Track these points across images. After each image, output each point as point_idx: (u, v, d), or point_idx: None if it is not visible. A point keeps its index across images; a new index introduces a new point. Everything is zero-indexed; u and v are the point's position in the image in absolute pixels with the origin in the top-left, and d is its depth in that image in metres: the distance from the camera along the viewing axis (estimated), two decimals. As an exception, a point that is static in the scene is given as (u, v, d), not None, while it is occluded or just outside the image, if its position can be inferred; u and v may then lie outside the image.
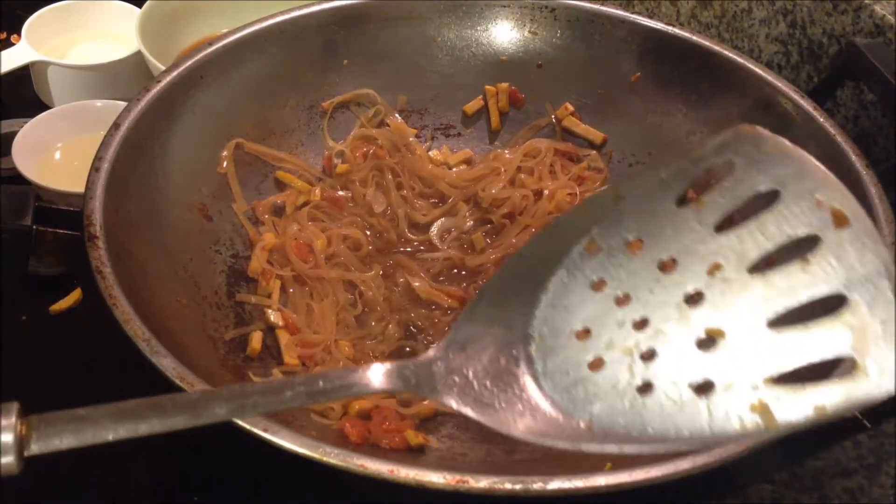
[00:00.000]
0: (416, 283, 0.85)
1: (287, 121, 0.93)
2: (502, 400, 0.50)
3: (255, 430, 0.58)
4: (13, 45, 1.12)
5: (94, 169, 0.74)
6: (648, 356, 0.48)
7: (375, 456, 0.57)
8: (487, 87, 0.99)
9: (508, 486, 0.56)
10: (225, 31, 0.91)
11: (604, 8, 0.96)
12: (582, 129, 0.97)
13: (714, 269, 0.47)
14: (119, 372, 0.84)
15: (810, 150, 0.82)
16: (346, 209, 0.91)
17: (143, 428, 0.46)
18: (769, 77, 0.89)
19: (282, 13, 0.92)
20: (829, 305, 0.44)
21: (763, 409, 0.44)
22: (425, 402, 0.75)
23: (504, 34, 0.98)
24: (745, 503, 0.66)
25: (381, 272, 0.87)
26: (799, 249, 0.46)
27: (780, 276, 0.45)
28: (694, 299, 0.47)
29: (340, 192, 0.92)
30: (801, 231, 0.45)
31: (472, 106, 0.99)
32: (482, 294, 0.53)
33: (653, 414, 0.46)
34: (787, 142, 0.47)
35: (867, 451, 0.68)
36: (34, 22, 1.14)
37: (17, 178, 0.95)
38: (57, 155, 1.02)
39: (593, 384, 0.49)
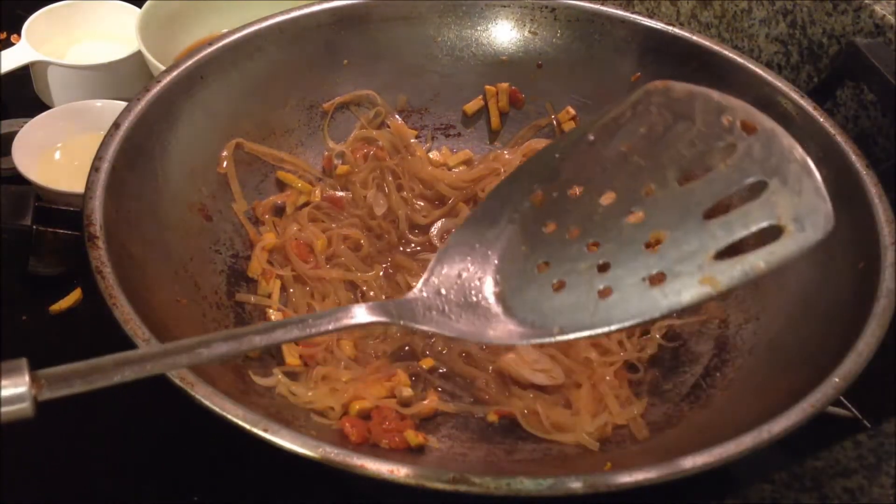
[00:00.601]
0: (414, 283, 0.85)
1: (287, 121, 0.93)
2: (475, 324, 0.58)
3: (256, 430, 0.58)
4: (13, 45, 1.12)
5: (94, 169, 0.74)
6: (604, 268, 0.56)
7: (375, 456, 0.57)
8: (487, 87, 0.99)
9: (506, 486, 0.56)
10: (225, 31, 0.91)
11: (604, 8, 0.96)
12: (580, 134, 0.97)
13: (648, 191, 0.55)
14: None
15: (810, 150, 0.83)
16: (347, 210, 0.91)
17: (148, 368, 0.47)
18: (769, 77, 0.89)
19: (282, 13, 0.92)
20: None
21: (710, 280, 0.51)
22: (425, 402, 0.75)
23: (504, 34, 0.98)
24: (745, 503, 0.65)
25: (381, 272, 0.87)
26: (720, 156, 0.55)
27: (705, 180, 0.53)
28: (635, 216, 0.56)
29: (340, 193, 0.92)
30: (717, 144, 0.53)
31: (472, 106, 0.99)
32: (450, 242, 0.62)
33: (615, 310, 0.54)
34: (691, 85, 0.56)
35: (867, 451, 0.68)
36: (34, 22, 1.14)
37: (17, 178, 0.94)
38: (57, 155, 1.02)
39: (559, 302, 0.56)
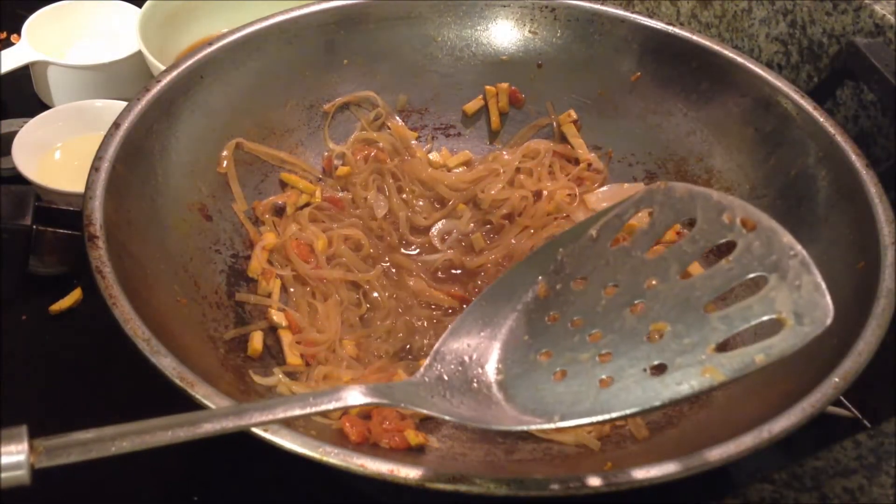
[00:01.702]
0: (412, 283, 0.86)
1: (287, 120, 0.93)
2: (476, 409, 0.58)
3: (255, 430, 0.57)
4: (13, 44, 1.12)
5: (94, 169, 0.74)
6: (605, 358, 0.56)
7: (375, 456, 0.57)
8: (487, 87, 0.99)
9: (506, 487, 0.56)
10: (225, 30, 0.91)
11: (604, 7, 0.96)
12: (576, 141, 0.97)
13: (650, 284, 0.57)
14: (119, 372, 0.85)
15: (810, 150, 0.84)
16: (347, 211, 0.91)
17: (147, 440, 0.48)
18: (769, 77, 0.89)
19: (282, 13, 0.92)
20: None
21: (711, 371, 0.52)
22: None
23: (504, 34, 0.98)
24: (745, 503, 0.65)
25: (382, 272, 0.87)
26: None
27: (706, 275, 0.54)
28: (637, 308, 0.57)
29: (340, 194, 0.92)
30: (718, 240, 0.55)
31: (472, 106, 0.99)
32: (454, 329, 0.63)
33: (616, 399, 0.54)
34: (693, 186, 0.58)
35: (867, 451, 0.68)
36: (34, 22, 1.14)
37: (17, 178, 0.95)
38: (57, 155, 1.02)
39: (561, 391, 0.57)
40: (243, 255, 0.85)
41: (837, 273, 0.76)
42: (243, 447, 0.73)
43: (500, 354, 0.61)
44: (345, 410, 0.73)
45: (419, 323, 0.84)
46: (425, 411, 0.57)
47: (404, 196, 0.93)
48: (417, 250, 0.90)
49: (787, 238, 0.53)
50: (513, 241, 0.90)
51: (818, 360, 0.67)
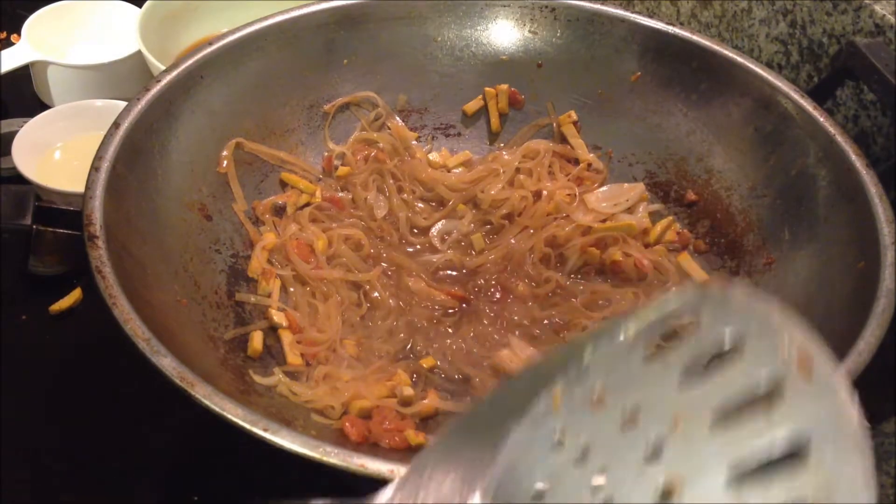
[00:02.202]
0: (411, 283, 0.85)
1: (287, 120, 0.93)
2: None
3: (256, 430, 0.58)
4: (13, 44, 1.12)
5: (94, 168, 0.74)
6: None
7: (375, 456, 0.57)
8: (487, 88, 0.99)
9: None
10: (225, 30, 0.91)
11: (604, 7, 0.96)
12: (576, 142, 0.97)
13: (676, 423, 0.47)
14: (119, 372, 0.85)
15: (810, 150, 0.84)
16: (347, 211, 0.91)
17: None
18: (769, 77, 0.89)
19: (282, 13, 0.92)
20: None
21: None
22: (425, 401, 0.75)
23: (504, 34, 0.98)
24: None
25: (381, 272, 0.87)
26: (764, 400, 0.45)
27: (741, 429, 0.45)
28: (654, 453, 0.47)
29: (340, 194, 0.92)
30: (764, 384, 0.45)
31: (472, 106, 0.99)
32: (437, 442, 0.53)
33: None
34: (753, 297, 0.47)
35: (867, 451, 0.68)
36: (34, 21, 1.14)
37: (17, 178, 0.95)
38: (57, 155, 1.02)
39: None
40: (243, 255, 0.85)
41: (837, 273, 0.76)
42: (243, 447, 0.74)
43: (492, 477, 0.51)
44: (345, 409, 0.73)
45: (419, 323, 0.84)
46: None
47: (404, 196, 0.93)
48: (417, 251, 0.90)
49: (849, 402, 0.43)
50: (512, 240, 0.90)
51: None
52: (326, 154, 0.94)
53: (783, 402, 0.43)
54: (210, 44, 0.88)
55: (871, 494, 0.40)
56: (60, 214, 0.75)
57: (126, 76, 1.11)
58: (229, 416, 0.58)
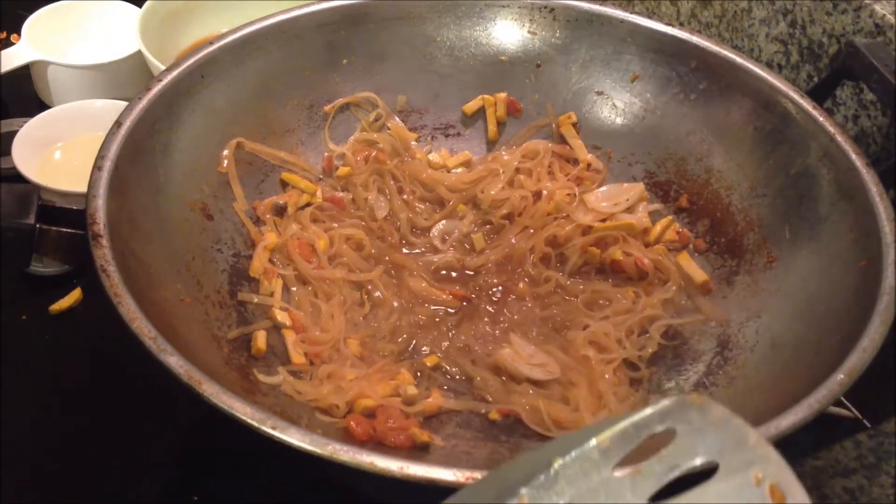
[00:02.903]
0: (412, 282, 0.86)
1: (287, 120, 0.93)
2: None
3: (264, 428, 0.58)
4: (13, 44, 1.12)
5: (97, 168, 0.74)
6: None
7: (384, 454, 0.56)
8: (486, 96, 0.99)
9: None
10: (225, 30, 0.91)
11: (603, 8, 0.96)
12: (575, 143, 0.97)
13: None
14: (119, 372, 0.85)
15: (810, 150, 0.84)
16: (348, 211, 0.91)
17: None
18: (769, 77, 0.89)
19: (282, 13, 0.92)
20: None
21: None
22: (429, 400, 0.75)
23: (503, 34, 0.99)
24: (745, 503, 0.66)
25: (382, 272, 0.87)
26: None
27: None
28: None
29: (341, 194, 0.92)
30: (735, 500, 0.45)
31: (472, 106, 0.99)
32: None
33: None
34: (732, 415, 0.47)
35: (867, 451, 0.68)
36: (34, 21, 1.14)
37: (17, 178, 0.95)
38: (57, 154, 1.02)
39: None
40: (245, 255, 0.85)
41: (838, 271, 0.76)
42: (244, 447, 0.73)
43: None
44: (349, 408, 0.73)
45: (422, 322, 0.84)
46: None
47: (405, 197, 0.93)
48: (418, 251, 0.90)
49: None
50: (513, 240, 0.90)
51: (821, 358, 0.68)
52: (327, 154, 0.94)
53: None
54: (211, 43, 0.88)
55: None
56: (64, 213, 0.75)
57: (126, 76, 1.11)
58: (238, 414, 0.58)
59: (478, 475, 0.55)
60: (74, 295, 0.89)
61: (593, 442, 0.48)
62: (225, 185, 0.87)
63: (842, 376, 0.63)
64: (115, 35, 1.17)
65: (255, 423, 0.58)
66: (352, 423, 0.70)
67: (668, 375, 0.79)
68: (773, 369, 0.74)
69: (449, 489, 0.55)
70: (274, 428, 0.57)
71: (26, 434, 0.80)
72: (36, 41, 1.11)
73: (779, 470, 0.45)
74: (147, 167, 0.80)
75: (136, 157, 0.78)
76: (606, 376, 0.77)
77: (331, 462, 0.56)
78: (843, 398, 0.78)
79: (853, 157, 0.81)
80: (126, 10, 1.17)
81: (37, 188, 0.74)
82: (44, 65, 1.10)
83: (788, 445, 0.61)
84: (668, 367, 0.80)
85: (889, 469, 0.67)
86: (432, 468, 0.55)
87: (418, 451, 0.70)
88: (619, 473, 0.47)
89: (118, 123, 0.78)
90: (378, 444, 0.69)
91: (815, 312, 0.76)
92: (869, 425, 0.79)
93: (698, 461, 0.45)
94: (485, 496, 0.51)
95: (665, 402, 0.47)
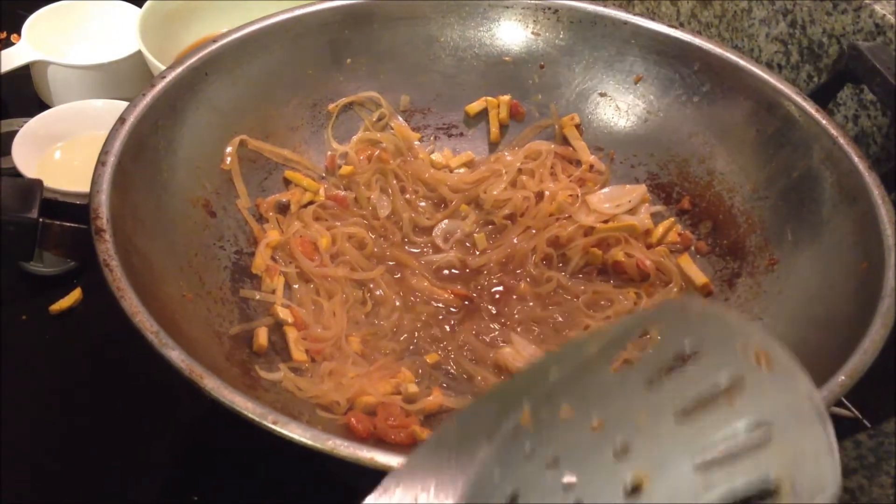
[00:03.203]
0: (414, 281, 0.86)
1: (290, 118, 0.93)
2: None
3: (265, 423, 0.57)
4: (13, 44, 1.12)
5: (101, 163, 0.74)
6: None
7: (384, 450, 0.56)
8: (489, 98, 0.99)
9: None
10: (225, 30, 0.91)
11: (606, 10, 0.96)
12: (578, 144, 0.97)
13: (641, 422, 0.49)
14: (119, 372, 0.85)
15: (813, 152, 0.84)
16: (351, 210, 0.91)
17: None
18: (771, 79, 0.89)
19: (286, 11, 0.92)
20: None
21: None
22: (430, 398, 0.75)
23: (507, 35, 0.99)
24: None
25: (384, 271, 0.87)
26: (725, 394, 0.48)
27: (704, 422, 0.47)
28: (622, 453, 0.49)
29: (343, 193, 0.92)
30: (725, 377, 0.47)
31: (475, 106, 0.99)
32: (414, 459, 0.54)
33: None
34: (710, 304, 0.54)
35: (867, 451, 0.68)
36: (34, 21, 1.13)
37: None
38: (57, 154, 1.02)
39: None
40: (247, 252, 0.85)
41: (840, 273, 0.76)
42: (244, 447, 0.74)
43: (464, 492, 0.53)
44: (350, 405, 0.73)
45: (423, 321, 0.84)
46: None
47: (407, 196, 0.93)
48: (420, 250, 0.90)
49: (806, 385, 0.46)
50: (515, 240, 0.90)
51: (822, 359, 0.68)
52: (330, 153, 0.94)
53: (743, 393, 0.45)
54: (215, 41, 0.88)
55: (835, 463, 0.42)
56: (67, 208, 0.75)
57: (126, 76, 1.11)
58: (239, 409, 0.58)
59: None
60: (74, 295, 0.89)
61: (586, 350, 0.52)
62: (228, 182, 0.87)
63: (843, 378, 0.63)
64: (115, 35, 1.16)
65: (256, 418, 0.57)
66: (352, 419, 0.70)
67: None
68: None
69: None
70: (275, 423, 0.57)
71: (26, 434, 0.80)
72: (36, 41, 1.11)
73: (761, 338, 0.47)
74: (150, 163, 0.80)
75: (139, 153, 0.78)
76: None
77: (331, 457, 0.56)
78: (843, 398, 0.78)
79: (855, 159, 0.81)
80: (126, 10, 1.17)
81: (39, 182, 0.73)
82: (44, 65, 1.09)
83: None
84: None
85: (889, 469, 0.67)
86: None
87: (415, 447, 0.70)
88: (613, 372, 0.51)
89: (122, 120, 0.78)
90: (379, 442, 0.69)
91: (815, 314, 0.76)
92: (869, 425, 0.79)
93: (686, 349, 0.48)
94: (489, 410, 0.54)
95: (647, 310, 0.56)
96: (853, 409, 0.80)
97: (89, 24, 1.19)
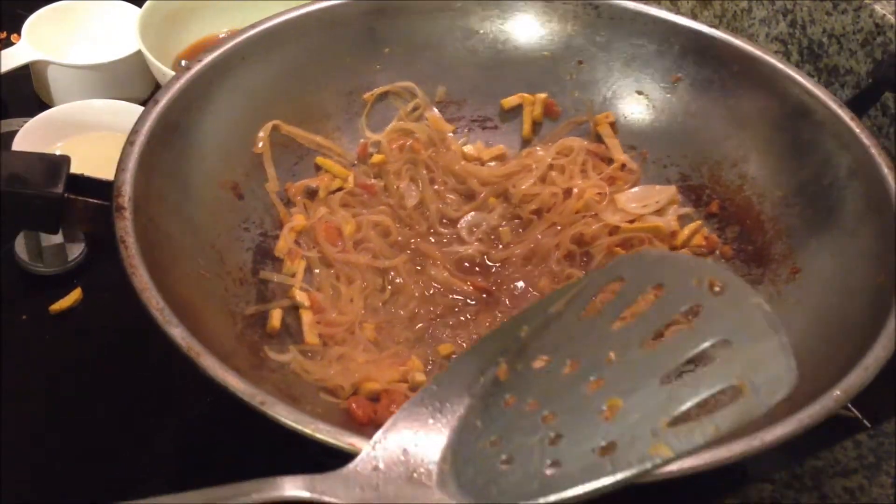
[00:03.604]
0: (433, 272, 0.86)
1: (325, 105, 0.94)
2: (406, 497, 0.54)
3: (253, 403, 0.58)
4: (13, 44, 1.12)
5: (129, 143, 0.76)
6: (555, 441, 0.54)
7: (363, 435, 0.57)
8: (525, 95, 0.99)
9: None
10: (225, 31, 0.91)
11: (647, 8, 0.96)
12: (611, 142, 0.97)
13: (610, 357, 0.55)
14: (119, 372, 0.86)
15: (844, 161, 0.82)
16: (379, 198, 0.92)
17: None
18: (809, 85, 0.88)
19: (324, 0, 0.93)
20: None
21: (660, 449, 0.50)
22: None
23: (546, 30, 0.99)
24: (744, 502, 0.66)
25: (406, 260, 0.88)
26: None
27: (667, 344, 0.53)
28: (594, 385, 0.54)
29: (373, 180, 0.93)
30: (685, 306, 0.54)
31: (511, 101, 0.99)
32: (402, 413, 0.59)
33: (561, 482, 0.52)
34: (667, 252, 0.63)
35: (867, 450, 0.68)
36: (34, 21, 1.13)
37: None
38: (56, 154, 1.00)
39: (505, 479, 0.54)
40: (272, 235, 0.86)
41: (857, 286, 0.75)
42: (246, 445, 0.74)
43: (449, 442, 0.57)
44: (354, 390, 0.74)
45: (440, 311, 0.85)
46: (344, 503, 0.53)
47: (436, 187, 0.94)
48: (445, 241, 0.91)
49: (756, 298, 0.52)
50: (539, 236, 0.90)
51: (828, 372, 0.67)
52: (362, 141, 0.95)
53: (701, 317, 0.52)
54: (253, 26, 0.89)
55: (789, 361, 0.49)
56: (92, 184, 0.77)
57: (126, 76, 1.11)
58: (231, 388, 0.59)
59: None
60: (74, 295, 0.90)
61: (553, 307, 0.60)
62: (258, 165, 0.88)
63: (838, 393, 0.62)
64: (115, 35, 1.16)
65: (245, 398, 0.59)
66: (353, 405, 0.71)
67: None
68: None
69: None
70: (262, 403, 0.58)
71: (26, 434, 0.80)
72: (36, 41, 1.11)
73: (714, 271, 0.55)
74: (180, 144, 0.81)
75: (170, 133, 0.80)
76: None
77: (313, 441, 0.57)
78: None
79: (885, 170, 0.79)
80: (126, 10, 1.17)
81: (67, 159, 0.76)
82: (44, 65, 1.10)
83: (788, 445, 0.61)
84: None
85: (889, 469, 0.67)
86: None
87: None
88: (581, 320, 0.58)
89: (155, 101, 0.80)
90: (378, 428, 0.70)
91: (829, 326, 0.75)
92: (869, 425, 0.77)
93: (648, 286, 0.56)
94: (469, 368, 0.60)
95: (609, 265, 0.61)
96: (853, 409, 0.79)
97: (89, 24, 1.19)
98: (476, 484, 0.54)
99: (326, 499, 0.53)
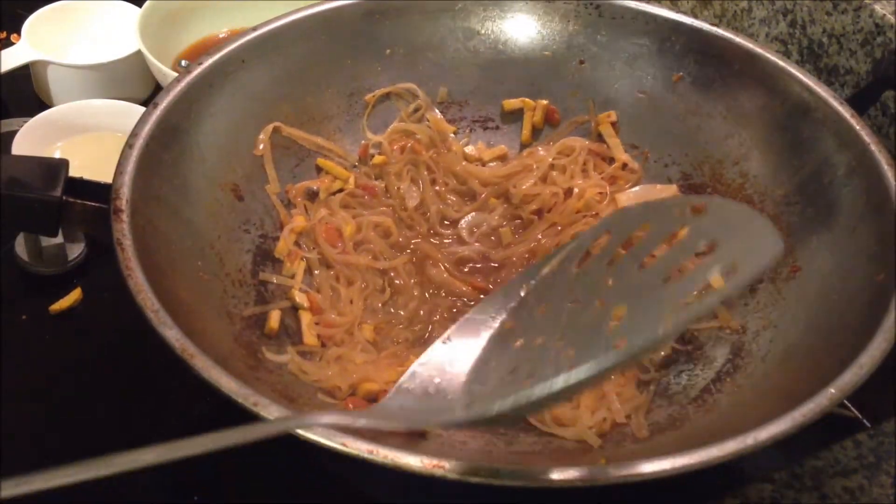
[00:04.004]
0: (433, 272, 0.87)
1: (326, 107, 0.95)
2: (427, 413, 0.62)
3: (246, 405, 0.59)
4: (13, 44, 1.12)
5: (128, 146, 0.76)
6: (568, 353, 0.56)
7: (360, 437, 0.57)
8: (526, 100, 0.99)
9: (484, 476, 0.57)
10: (225, 31, 0.91)
11: (648, 7, 0.95)
12: (613, 142, 0.97)
13: (608, 283, 0.59)
14: (119, 372, 0.86)
15: (845, 159, 0.82)
16: (380, 199, 0.93)
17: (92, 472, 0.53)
18: (810, 83, 0.87)
19: (325, 2, 0.93)
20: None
21: (668, 319, 0.52)
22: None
23: (548, 30, 0.99)
24: (744, 502, 0.65)
25: (406, 261, 0.88)
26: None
27: (661, 258, 0.56)
28: (597, 306, 0.58)
29: (374, 182, 0.94)
30: (672, 231, 0.57)
31: (513, 103, 0.99)
32: (420, 361, 0.65)
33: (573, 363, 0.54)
34: (644, 203, 0.64)
35: (867, 450, 0.68)
36: (34, 21, 1.13)
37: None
38: (57, 154, 1.02)
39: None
40: (272, 237, 0.87)
41: (857, 284, 0.75)
42: (245, 446, 0.74)
43: (469, 377, 0.62)
44: (352, 391, 0.75)
45: (440, 312, 0.85)
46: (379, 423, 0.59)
47: (437, 188, 0.94)
48: (445, 242, 0.91)
49: (737, 205, 0.59)
50: (539, 236, 0.90)
51: (825, 370, 0.67)
52: (363, 143, 0.96)
53: (689, 231, 0.55)
54: (254, 29, 0.90)
55: (775, 233, 0.52)
56: (91, 187, 0.77)
57: (126, 76, 1.11)
58: (223, 390, 0.59)
59: (444, 464, 0.56)
60: (74, 295, 0.90)
61: (547, 268, 0.65)
62: (258, 167, 0.89)
63: (832, 391, 0.62)
64: (115, 35, 1.16)
65: (238, 400, 0.59)
66: (350, 405, 0.71)
67: (677, 380, 0.79)
68: (780, 380, 0.73)
69: (430, 480, 0.57)
70: (255, 405, 0.59)
71: (26, 434, 0.80)
72: (36, 41, 1.11)
73: (693, 199, 0.61)
74: (180, 147, 0.82)
75: (169, 136, 0.80)
76: (613, 376, 0.77)
77: (306, 443, 0.57)
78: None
79: (885, 168, 0.79)
80: (126, 10, 1.17)
81: (66, 162, 0.76)
82: (44, 65, 1.10)
83: (788, 445, 0.61)
84: (679, 371, 0.79)
85: (889, 469, 0.66)
86: (400, 453, 0.56)
87: (416, 438, 0.70)
88: (576, 269, 0.62)
89: (154, 104, 0.81)
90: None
91: (829, 324, 0.74)
92: (869, 425, 0.77)
93: (636, 228, 0.60)
94: (473, 328, 0.67)
95: (597, 223, 0.66)
96: (853, 409, 0.78)
97: (89, 24, 1.19)
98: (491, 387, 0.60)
99: (362, 421, 0.58)
